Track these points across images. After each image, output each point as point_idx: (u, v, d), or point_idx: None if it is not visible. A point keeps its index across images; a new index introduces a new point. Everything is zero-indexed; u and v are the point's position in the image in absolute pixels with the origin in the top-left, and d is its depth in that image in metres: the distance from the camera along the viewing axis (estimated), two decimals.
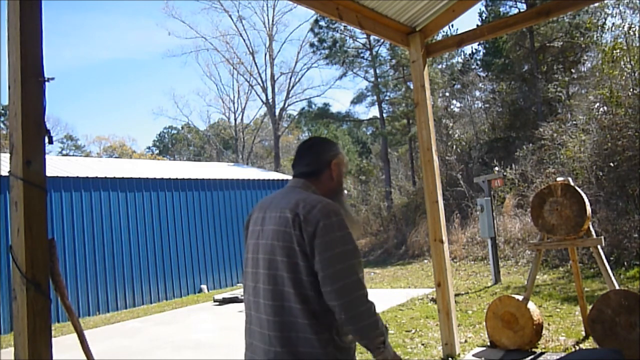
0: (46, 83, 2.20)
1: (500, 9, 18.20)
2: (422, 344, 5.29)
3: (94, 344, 2.75)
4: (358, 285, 1.62)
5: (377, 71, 20.43)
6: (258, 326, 1.74)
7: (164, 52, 60.65)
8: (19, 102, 2.13)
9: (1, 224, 9.17)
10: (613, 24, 14.16)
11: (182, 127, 41.44)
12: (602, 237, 4.48)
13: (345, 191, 1.97)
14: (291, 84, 29.57)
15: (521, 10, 16.25)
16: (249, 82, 30.67)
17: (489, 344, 4.76)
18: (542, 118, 15.07)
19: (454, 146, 17.02)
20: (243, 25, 38.65)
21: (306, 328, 1.62)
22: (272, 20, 29.47)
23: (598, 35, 15.93)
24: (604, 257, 4.35)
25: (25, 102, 2.14)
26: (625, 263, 8.02)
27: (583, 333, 4.87)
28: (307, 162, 1.87)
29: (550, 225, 4.46)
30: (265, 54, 30.74)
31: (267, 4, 30.55)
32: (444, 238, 4.75)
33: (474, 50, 20.72)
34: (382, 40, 18.72)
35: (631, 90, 10.23)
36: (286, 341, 1.63)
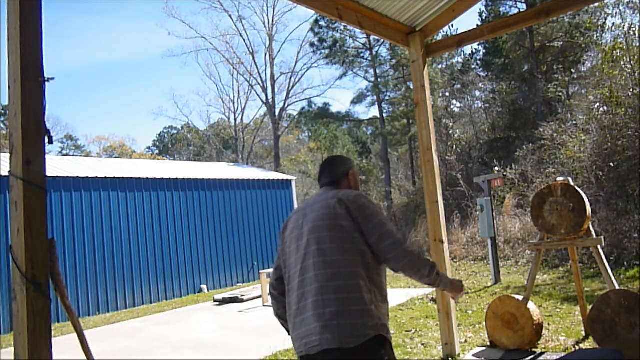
0: (46, 83, 2.20)
1: (500, 9, 18.20)
2: (422, 344, 5.29)
3: (94, 344, 2.75)
4: (400, 240, 2.02)
5: (377, 71, 20.44)
6: (310, 298, 1.97)
7: (163, 52, 60.62)
8: (19, 102, 2.13)
9: (1, 224, 9.17)
10: (613, 24, 14.16)
11: (182, 127, 41.44)
12: (602, 237, 4.48)
13: None
14: (291, 84, 29.60)
15: (521, 10, 16.25)
16: (249, 82, 30.71)
17: (489, 344, 4.76)
18: (542, 118, 15.07)
19: (454, 146, 17.02)
20: (243, 25, 38.70)
21: (355, 288, 1.93)
22: (272, 20, 29.50)
23: (598, 35, 15.93)
24: (604, 257, 4.35)
25: (25, 102, 2.14)
26: (625, 263, 8.02)
27: (583, 333, 4.87)
28: (329, 175, 2.32)
29: (550, 225, 4.46)
30: (265, 54, 30.81)
31: (267, 4, 30.59)
32: (444, 238, 4.75)
33: (474, 50, 20.74)
34: (382, 40, 18.72)
35: (631, 90, 10.23)
36: (340, 301, 1.91)
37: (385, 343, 1.97)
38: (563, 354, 4.17)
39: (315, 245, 2.02)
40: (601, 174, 9.77)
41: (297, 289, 2.05)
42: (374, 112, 33.33)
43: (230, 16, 30.38)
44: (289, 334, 2.17)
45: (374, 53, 20.16)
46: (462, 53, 20.85)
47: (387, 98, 20.36)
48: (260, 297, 9.71)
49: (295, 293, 2.06)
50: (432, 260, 2.10)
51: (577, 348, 4.53)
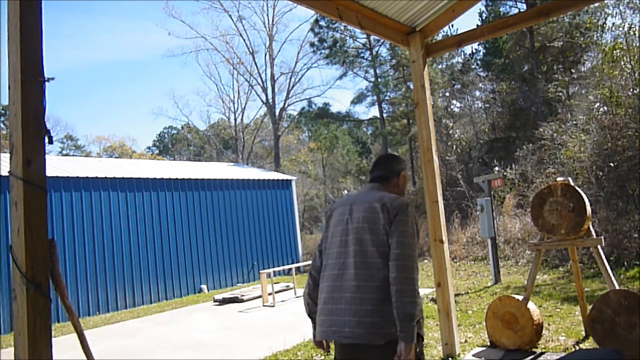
0: (46, 83, 2.20)
1: (500, 9, 18.20)
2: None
3: (94, 344, 2.75)
4: (411, 260, 2.10)
5: (377, 71, 20.43)
6: (347, 292, 2.14)
7: (163, 53, 60.51)
8: (19, 102, 2.13)
9: (1, 224, 9.17)
10: (613, 24, 14.16)
11: (182, 127, 41.43)
12: (602, 237, 4.48)
13: None
14: (291, 84, 29.59)
15: (521, 10, 16.25)
16: (249, 82, 30.70)
17: (489, 344, 4.76)
18: (542, 118, 15.07)
19: (454, 146, 17.03)
20: (243, 25, 38.67)
21: (389, 290, 2.06)
22: (272, 20, 29.50)
23: (598, 35, 15.93)
24: (604, 257, 4.34)
25: (25, 102, 2.14)
26: (625, 263, 8.01)
27: (583, 333, 4.87)
28: (383, 168, 2.45)
29: (550, 225, 4.46)
30: (265, 54, 30.75)
31: (267, 4, 30.58)
32: (444, 238, 4.75)
33: (474, 50, 20.74)
34: (382, 40, 18.72)
35: (631, 90, 10.23)
36: (375, 301, 2.07)
37: (419, 337, 2.14)
38: (563, 354, 4.17)
39: (358, 246, 2.18)
40: (601, 174, 9.77)
41: (333, 279, 2.23)
42: (374, 112, 33.35)
43: (230, 16, 30.39)
44: (310, 314, 2.44)
45: (374, 53, 20.16)
46: (462, 53, 20.86)
47: (387, 98, 20.36)
48: (260, 297, 9.71)
49: (330, 282, 2.24)
50: (420, 308, 2.11)
51: (577, 348, 4.53)
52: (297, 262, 14.68)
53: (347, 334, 2.09)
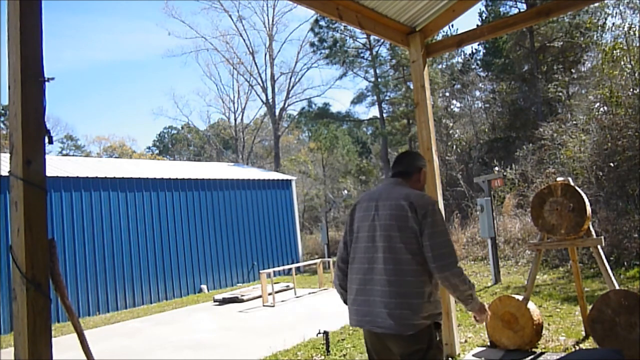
0: (46, 83, 2.20)
1: (500, 9, 18.20)
2: None
3: (94, 344, 2.75)
4: (447, 254, 2.25)
5: (377, 71, 20.43)
6: (378, 285, 2.32)
7: (163, 52, 60.50)
8: (19, 102, 2.13)
9: (1, 224, 9.17)
10: (613, 24, 14.16)
11: (182, 127, 41.43)
12: (602, 237, 4.47)
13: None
14: (291, 84, 29.58)
15: (521, 10, 16.25)
16: (249, 82, 30.69)
17: (489, 344, 4.76)
18: (542, 118, 15.07)
19: (454, 146, 17.03)
20: (243, 25, 38.64)
21: (417, 284, 2.25)
22: (272, 20, 29.49)
23: (598, 35, 15.92)
24: (604, 257, 4.34)
25: (25, 102, 2.14)
26: (625, 263, 8.01)
27: (583, 333, 4.87)
28: (405, 164, 2.57)
29: (550, 225, 4.46)
30: (265, 54, 30.74)
31: (267, 4, 30.57)
32: None
33: (474, 50, 20.74)
34: (382, 40, 18.72)
35: (631, 90, 10.23)
36: (403, 295, 2.25)
37: (438, 327, 2.34)
38: (563, 354, 4.17)
39: (387, 243, 2.32)
40: (601, 174, 9.77)
41: (363, 273, 2.39)
42: (374, 112, 33.32)
43: (230, 16, 30.38)
44: (344, 301, 2.61)
45: (374, 53, 20.16)
46: (462, 53, 20.86)
47: (387, 98, 20.35)
48: (260, 297, 9.71)
49: (360, 274, 2.40)
50: (469, 281, 2.32)
51: (577, 348, 4.53)
52: (297, 262, 14.68)
53: (379, 325, 2.29)
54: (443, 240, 2.26)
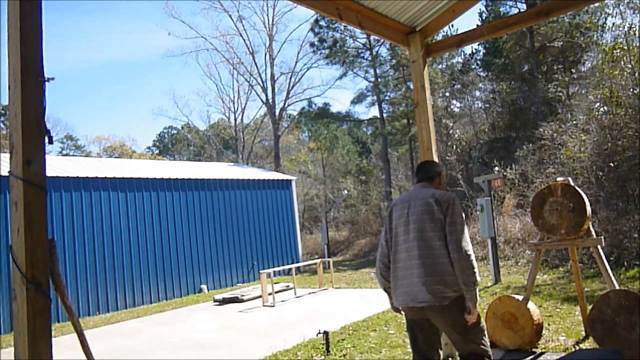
0: (46, 83, 2.20)
1: (500, 9, 18.20)
2: None
3: (94, 344, 2.75)
4: (462, 240, 2.77)
5: (377, 71, 20.43)
6: (416, 268, 2.84)
7: (163, 53, 60.35)
8: (19, 102, 2.13)
9: (1, 224, 9.16)
10: (613, 24, 14.18)
11: (182, 127, 41.42)
12: (602, 237, 4.47)
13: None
14: (291, 84, 29.57)
15: (521, 10, 16.25)
16: (249, 82, 30.67)
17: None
18: (542, 118, 15.07)
19: (454, 146, 17.03)
20: (243, 25, 38.58)
21: (447, 264, 2.77)
22: (272, 20, 29.48)
23: (598, 35, 15.93)
24: (604, 257, 4.34)
25: (25, 102, 2.14)
26: (625, 263, 8.01)
27: (583, 333, 4.87)
28: (427, 172, 3.17)
29: (550, 225, 4.46)
30: (265, 54, 30.69)
31: (267, 4, 30.55)
32: None
33: (474, 50, 20.72)
34: (382, 40, 18.72)
35: (631, 90, 10.23)
36: (437, 274, 2.78)
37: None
38: (563, 354, 4.17)
39: (420, 232, 2.86)
40: (601, 174, 9.77)
41: (404, 260, 2.92)
42: (374, 112, 33.33)
43: (230, 16, 30.35)
44: (385, 289, 3.12)
45: (374, 53, 20.15)
46: (462, 53, 20.85)
47: (387, 98, 20.35)
48: (260, 297, 9.71)
49: (402, 262, 2.93)
50: (478, 273, 2.78)
51: (577, 348, 4.52)
52: (297, 262, 14.68)
53: (420, 300, 2.80)
54: (460, 228, 2.79)
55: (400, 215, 3.00)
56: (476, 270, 2.74)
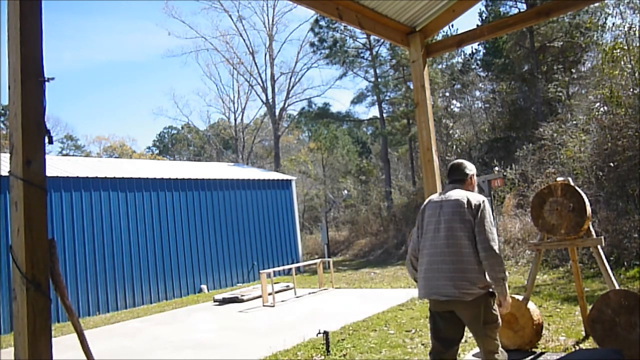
0: (46, 83, 2.20)
1: (500, 9, 18.19)
2: (422, 344, 5.29)
3: (94, 344, 2.75)
4: (490, 239, 2.91)
5: (377, 71, 20.43)
6: (443, 264, 2.98)
7: (163, 53, 60.30)
8: (19, 102, 2.13)
9: (1, 224, 9.16)
10: (613, 24, 14.17)
11: (182, 127, 41.41)
12: (602, 237, 4.47)
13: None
14: (291, 84, 29.56)
15: (521, 10, 16.25)
16: (249, 82, 30.66)
17: None
18: (542, 118, 15.07)
19: (454, 146, 17.02)
20: (243, 25, 38.53)
21: (473, 262, 2.92)
22: (272, 20, 29.47)
23: (598, 35, 15.93)
24: (604, 257, 4.34)
25: (25, 102, 2.14)
26: (625, 263, 8.01)
27: (583, 333, 4.87)
28: (460, 174, 3.29)
29: (550, 225, 4.46)
30: (265, 54, 30.66)
31: (267, 4, 30.53)
32: None
33: (474, 50, 20.72)
34: (382, 40, 18.71)
35: (631, 90, 10.23)
36: (464, 270, 2.93)
37: (492, 295, 2.98)
38: (563, 354, 4.17)
39: (450, 232, 3.01)
40: (601, 174, 9.77)
41: (431, 255, 3.06)
42: (374, 112, 33.29)
43: (230, 16, 30.32)
44: (415, 279, 3.24)
45: (374, 53, 20.15)
46: (462, 53, 20.85)
47: (387, 98, 20.35)
48: (260, 297, 9.71)
49: (428, 257, 3.07)
50: (505, 269, 2.95)
51: (577, 348, 4.52)
52: (297, 262, 14.68)
53: (444, 294, 2.95)
54: (488, 229, 2.94)
55: (432, 214, 3.16)
56: (503, 268, 2.92)
